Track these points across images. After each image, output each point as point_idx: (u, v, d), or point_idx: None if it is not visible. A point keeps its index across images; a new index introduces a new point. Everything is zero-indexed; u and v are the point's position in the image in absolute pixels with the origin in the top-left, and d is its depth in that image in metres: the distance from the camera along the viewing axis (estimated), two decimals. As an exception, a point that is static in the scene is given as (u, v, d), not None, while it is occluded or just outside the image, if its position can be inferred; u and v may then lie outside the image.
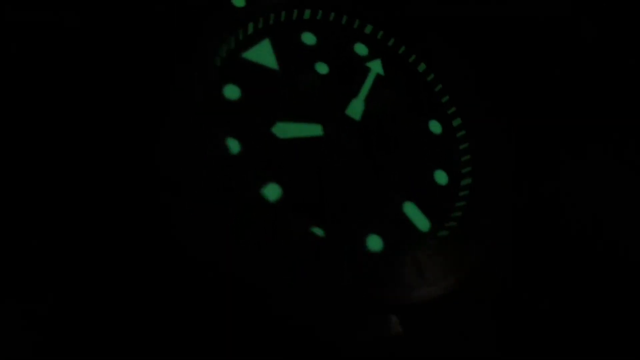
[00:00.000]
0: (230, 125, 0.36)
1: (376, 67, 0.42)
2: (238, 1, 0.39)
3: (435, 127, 0.42)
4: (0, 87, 0.35)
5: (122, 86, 0.36)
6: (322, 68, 0.41)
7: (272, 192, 0.36)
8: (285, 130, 0.37)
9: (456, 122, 0.42)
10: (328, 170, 0.37)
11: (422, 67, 0.43)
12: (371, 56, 0.43)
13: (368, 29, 0.43)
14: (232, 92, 0.37)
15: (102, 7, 0.38)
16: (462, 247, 0.38)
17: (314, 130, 0.38)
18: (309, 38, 0.42)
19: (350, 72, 0.41)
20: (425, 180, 0.40)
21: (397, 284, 0.36)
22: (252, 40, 0.40)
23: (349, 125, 0.39)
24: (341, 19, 0.43)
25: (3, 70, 0.35)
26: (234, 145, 0.36)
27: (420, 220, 0.39)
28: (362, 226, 0.37)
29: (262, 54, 0.40)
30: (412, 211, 0.39)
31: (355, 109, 0.40)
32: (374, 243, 0.37)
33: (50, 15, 0.37)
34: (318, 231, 0.35)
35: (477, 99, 0.43)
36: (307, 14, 0.42)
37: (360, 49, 0.43)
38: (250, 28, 0.39)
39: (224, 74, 0.38)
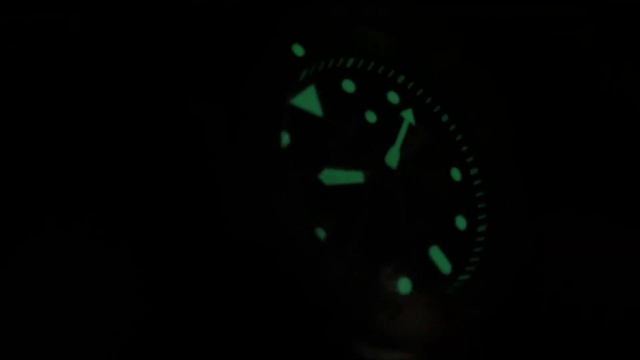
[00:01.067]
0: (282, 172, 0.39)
1: (408, 116, 0.45)
2: (298, 50, 0.41)
3: (455, 174, 0.46)
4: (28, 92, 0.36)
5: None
6: (362, 116, 0.44)
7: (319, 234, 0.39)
8: (332, 176, 0.40)
9: (473, 170, 0.46)
10: (367, 216, 0.41)
11: (445, 117, 0.47)
12: (402, 105, 0.46)
13: (400, 79, 0.46)
14: (284, 139, 0.40)
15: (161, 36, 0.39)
16: (479, 293, 0.42)
17: (356, 177, 0.41)
18: (349, 85, 0.44)
19: (386, 120, 0.44)
20: (448, 226, 0.44)
21: (423, 326, 0.39)
22: (300, 87, 0.42)
23: (387, 173, 0.42)
24: (378, 68, 0.46)
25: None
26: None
27: (443, 264, 0.42)
28: (394, 270, 0.40)
29: (308, 100, 0.42)
30: (436, 255, 0.42)
31: (393, 156, 0.43)
32: (404, 285, 0.40)
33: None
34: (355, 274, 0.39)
35: (493, 148, 0.47)
36: (350, 61, 0.44)
37: (393, 97, 0.46)
38: (302, 75, 0.42)
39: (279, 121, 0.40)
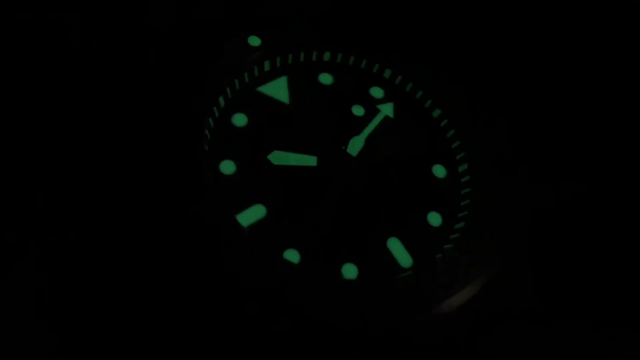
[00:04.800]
0: (230, 149, 0.40)
1: (387, 109, 0.44)
2: (253, 40, 0.43)
3: (439, 171, 0.43)
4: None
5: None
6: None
7: (257, 213, 0.38)
8: (281, 158, 0.40)
9: (462, 167, 0.43)
10: (315, 198, 0.40)
11: (437, 112, 0.45)
12: (385, 99, 0.45)
13: (387, 74, 0.45)
14: (240, 119, 0.41)
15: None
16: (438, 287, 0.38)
17: (309, 160, 0.41)
18: (326, 79, 0.45)
19: (360, 113, 0.43)
20: (417, 220, 0.41)
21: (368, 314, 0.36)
22: (270, 77, 0.44)
23: (344, 160, 0.41)
24: (360, 62, 0.45)
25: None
26: (229, 167, 0.39)
27: (402, 257, 0.39)
28: (339, 254, 0.38)
29: (277, 89, 0.43)
30: (395, 246, 0.40)
31: (355, 145, 0.42)
32: (350, 271, 0.38)
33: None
34: (294, 255, 0.38)
35: (486, 146, 0.43)
36: (326, 56, 0.45)
37: (377, 92, 0.45)
38: (267, 65, 0.43)
39: (236, 103, 0.42)
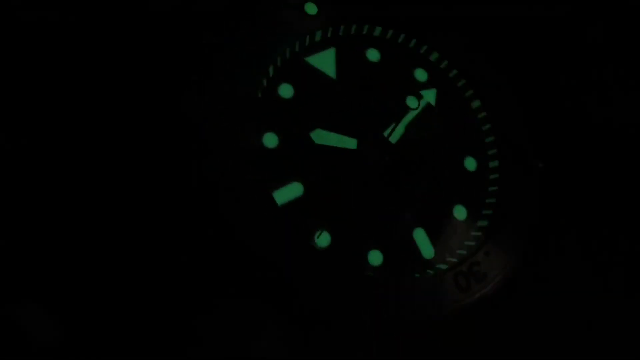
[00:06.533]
0: (274, 121, 0.40)
1: (429, 96, 0.44)
2: (310, 8, 0.42)
3: (470, 164, 0.44)
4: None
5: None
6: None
7: (294, 190, 0.39)
8: (322, 137, 0.41)
9: (493, 163, 0.44)
10: (351, 182, 0.41)
11: (476, 103, 0.45)
12: (429, 84, 0.45)
13: (434, 56, 0.45)
14: (286, 90, 0.41)
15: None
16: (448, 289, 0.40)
17: (349, 143, 0.41)
18: (373, 55, 0.44)
19: (403, 95, 0.44)
20: (443, 212, 0.42)
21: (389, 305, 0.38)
22: (319, 47, 0.43)
23: (383, 146, 0.42)
24: (410, 41, 0.45)
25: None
26: (271, 140, 0.40)
27: (426, 248, 0.41)
28: (368, 239, 0.40)
29: (325, 61, 0.43)
30: (420, 237, 0.41)
31: (395, 132, 0.42)
32: (375, 258, 0.40)
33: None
34: (325, 237, 0.39)
35: (521, 147, 0.44)
36: (377, 31, 0.44)
37: (421, 74, 0.45)
38: (318, 36, 0.43)
39: (283, 73, 0.42)
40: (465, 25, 0.46)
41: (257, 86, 0.39)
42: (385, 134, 0.42)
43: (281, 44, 0.41)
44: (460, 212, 0.43)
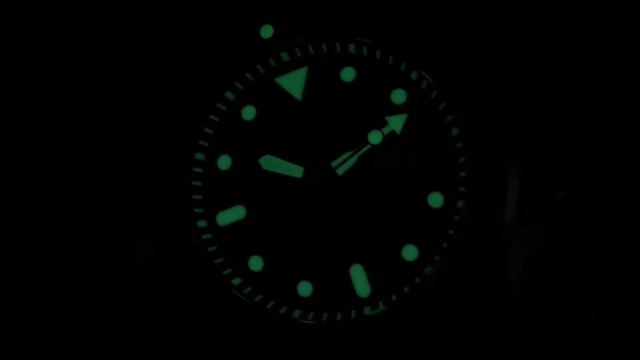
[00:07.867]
0: (231, 144, 0.42)
1: (395, 123, 0.40)
2: (265, 32, 0.41)
3: (435, 200, 0.40)
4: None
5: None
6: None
7: (236, 214, 0.42)
8: (270, 163, 0.41)
9: (460, 203, 0.39)
10: (292, 211, 0.41)
11: (455, 131, 0.40)
12: (405, 106, 0.40)
13: (413, 75, 0.41)
14: (249, 113, 0.42)
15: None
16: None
17: (295, 171, 0.41)
18: (348, 74, 0.42)
19: (370, 122, 0.40)
20: (390, 250, 0.40)
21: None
22: (289, 67, 0.42)
23: (329, 177, 0.40)
24: (387, 59, 0.41)
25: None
26: (225, 162, 0.42)
27: (361, 286, 0.40)
28: (300, 270, 0.41)
29: (294, 82, 0.42)
30: (357, 274, 0.40)
31: (345, 163, 0.40)
32: (305, 289, 0.40)
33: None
34: (257, 262, 0.41)
35: (497, 194, 0.38)
36: (351, 48, 0.41)
37: (398, 95, 0.41)
38: (285, 56, 0.42)
39: (249, 95, 0.43)
40: (450, 39, 0.40)
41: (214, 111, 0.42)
42: (334, 164, 0.41)
43: (233, 74, 0.42)
44: (410, 253, 0.40)
